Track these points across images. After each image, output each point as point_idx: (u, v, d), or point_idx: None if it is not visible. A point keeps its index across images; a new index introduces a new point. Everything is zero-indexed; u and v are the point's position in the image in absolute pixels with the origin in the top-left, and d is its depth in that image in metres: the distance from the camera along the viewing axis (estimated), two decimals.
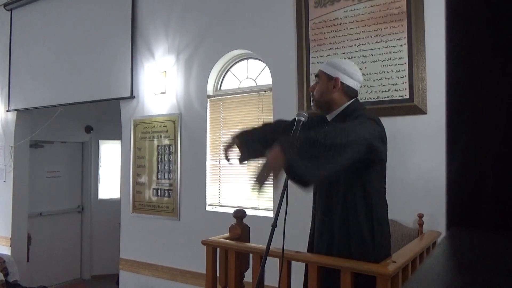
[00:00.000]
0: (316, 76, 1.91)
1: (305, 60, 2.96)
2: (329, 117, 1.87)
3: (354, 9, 2.78)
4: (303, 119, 1.75)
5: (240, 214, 2.23)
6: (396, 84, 2.62)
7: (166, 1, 3.82)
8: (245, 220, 2.26)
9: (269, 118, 3.18)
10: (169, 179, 3.72)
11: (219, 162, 3.52)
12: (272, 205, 3.12)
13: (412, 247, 2.00)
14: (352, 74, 1.84)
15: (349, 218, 1.73)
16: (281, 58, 3.11)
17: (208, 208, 3.51)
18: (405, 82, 2.58)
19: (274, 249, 1.67)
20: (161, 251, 3.74)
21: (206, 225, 3.40)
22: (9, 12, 5.13)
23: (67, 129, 5.88)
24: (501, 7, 0.50)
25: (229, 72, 3.60)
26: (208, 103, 3.57)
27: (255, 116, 3.33)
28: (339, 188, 1.76)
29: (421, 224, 2.42)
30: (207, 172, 3.52)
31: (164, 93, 3.76)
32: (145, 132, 3.91)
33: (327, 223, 1.79)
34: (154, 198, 3.81)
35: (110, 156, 6.44)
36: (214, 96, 3.58)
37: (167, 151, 3.75)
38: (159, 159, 3.80)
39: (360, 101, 1.94)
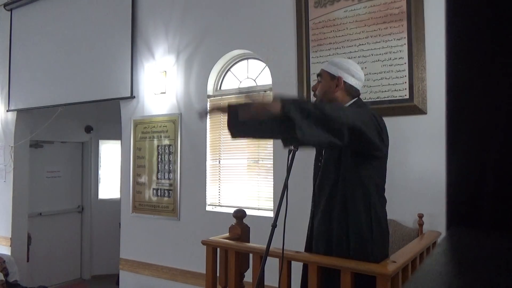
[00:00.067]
0: (318, 75, 1.92)
1: (305, 60, 2.96)
2: None
3: (354, 9, 2.78)
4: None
5: (240, 214, 2.23)
6: (396, 84, 2.62)
7: (166, 1, 3.82)
8: (245, 220, 2.26)
9: None
10: (169, 179, 3.72)
11: (219, 162, 3.52)
12: (272, 205, 3.12)
13: (412, 247, 2.00)
14: (354, 73, 1.84)
15: (348, 218, 1.73)
16: (281, 58, 3.11)
17: (208, 208, 3.50)
18: (405, 82, 2.58)
19: (274, 249, 1.67)
20: (161, 251, 3.73)
21: (206, 225, 3.40)
22: (9, 12, 5.12)
23: (67, 129, 5.88)
24: (501, 7, 0.50)
25: (229, 72, 3.60)
26: (208, 103, 3.57)
27: None
28: (339, 187, 1.76)
29: (421, 224, 2.42)
30: (207, 172, 3.52)
31: (164, 93, 3.76)
32: (145, 132, 3.91)
33: (326, 222, 1.80)
34: (154, 198, 3.81)
35: (110, 156, 6.44)
36: (214, 96, 3.58)
37: (167, 151, 3.75)
38: (159, 159, 3.80)
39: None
